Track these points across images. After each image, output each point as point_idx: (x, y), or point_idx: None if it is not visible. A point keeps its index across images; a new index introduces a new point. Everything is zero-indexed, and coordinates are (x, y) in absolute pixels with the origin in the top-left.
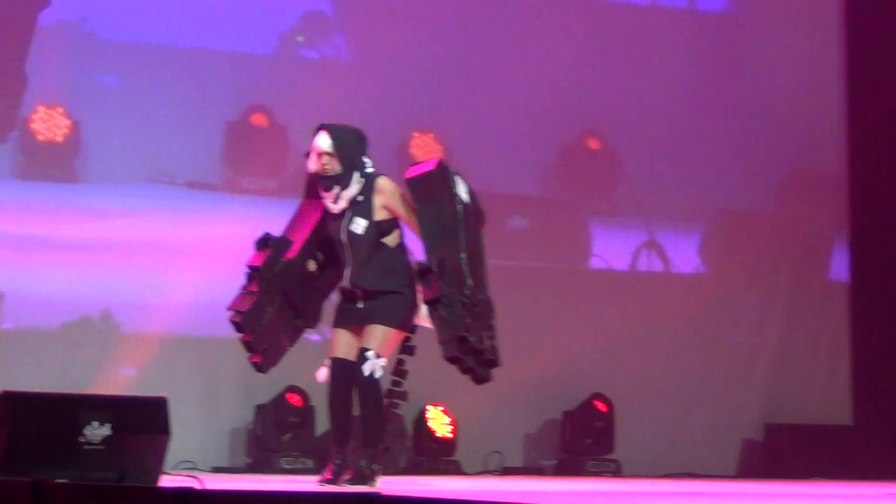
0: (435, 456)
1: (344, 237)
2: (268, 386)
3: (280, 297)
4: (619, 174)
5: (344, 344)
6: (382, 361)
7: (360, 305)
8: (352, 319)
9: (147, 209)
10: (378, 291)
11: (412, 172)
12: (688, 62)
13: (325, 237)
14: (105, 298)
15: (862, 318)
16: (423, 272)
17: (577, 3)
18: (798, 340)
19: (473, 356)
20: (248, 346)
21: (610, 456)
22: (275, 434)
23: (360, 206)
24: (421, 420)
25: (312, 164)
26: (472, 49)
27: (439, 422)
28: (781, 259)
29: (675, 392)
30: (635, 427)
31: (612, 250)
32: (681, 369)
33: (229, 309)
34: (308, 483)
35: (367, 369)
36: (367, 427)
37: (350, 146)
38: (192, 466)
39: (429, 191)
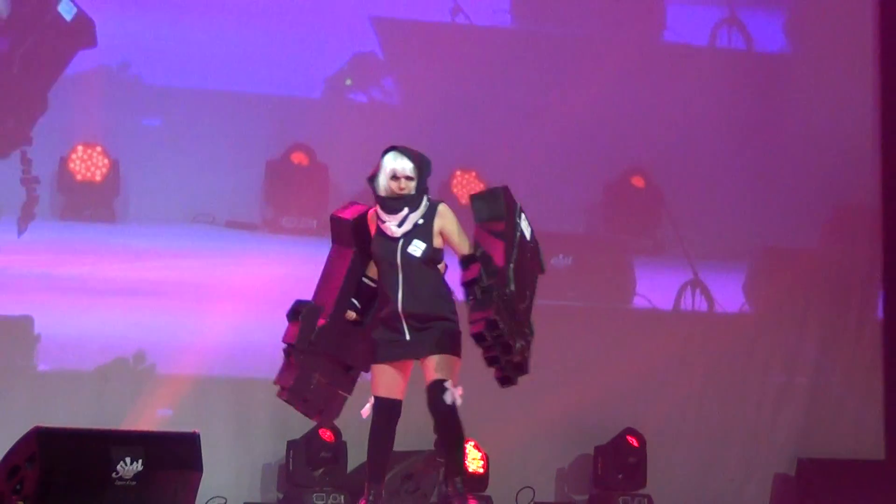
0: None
1: (399, 260)
2: (300, 421)
3: (323, 359)
4: (662, 212)
5: (388, 381)
6: (460, 390)
7: (408, 337)
8: (396, 353)
9: (186, 249)
10: (432, 317)
11: (477, 192)
12: (729, 101)
13: (359, 281)
14: (141, 339)
15: (894, 350)
16: (467, 258)
17: (620, 40)
18: (831, 375)
19: (502, 349)
20: (304, 412)
21: (642, 491)
22: (306, 469)
23: (420, 230)
24: None
25: (388, 187)
26: (515, 86)
27: (471, 457)
28: (815, 295)
29: (708, 427)
30: (667, 462)
31: (655, 289)
32: (714, 404)
33: (276, 384)
34: None
35: (448, 399)
36: (452, 454)
37: (425, 169)
38: (223, 502)
39: (490, 211)
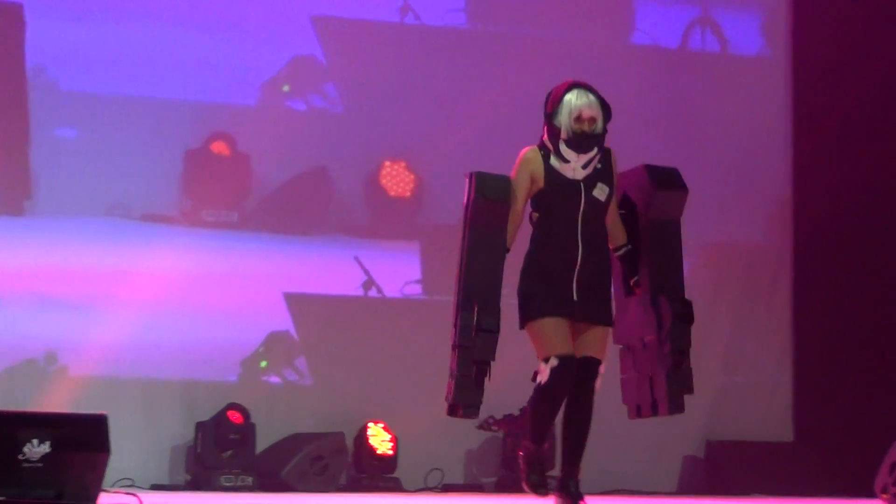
0: (375, 473)
1: (582, 205)
2: (209, 403)
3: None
4: None
5: (567, 336)
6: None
7: (575, 297)
8: (568, 310)
9: (99, 244)
10: (603, 280)
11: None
12: (650, 96)
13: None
14: (51, 333)
15: (803, 337)
16: (685, 316)
17: (543, 40)
18: (740, 358)
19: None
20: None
21: (550, 473)
22: (215, 451)
23: (601, 174)
24: (362, 437)
25: (571, 128)
26: (450, 79)
27: (380, 439)
28: (726, 283)
29: (617, 409)
30: None
31: None
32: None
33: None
34: (247, 500)
35: (598, 385)
36: (582, 446)
37: (608, 108)
38: (131, 484)
39: (671, 203)
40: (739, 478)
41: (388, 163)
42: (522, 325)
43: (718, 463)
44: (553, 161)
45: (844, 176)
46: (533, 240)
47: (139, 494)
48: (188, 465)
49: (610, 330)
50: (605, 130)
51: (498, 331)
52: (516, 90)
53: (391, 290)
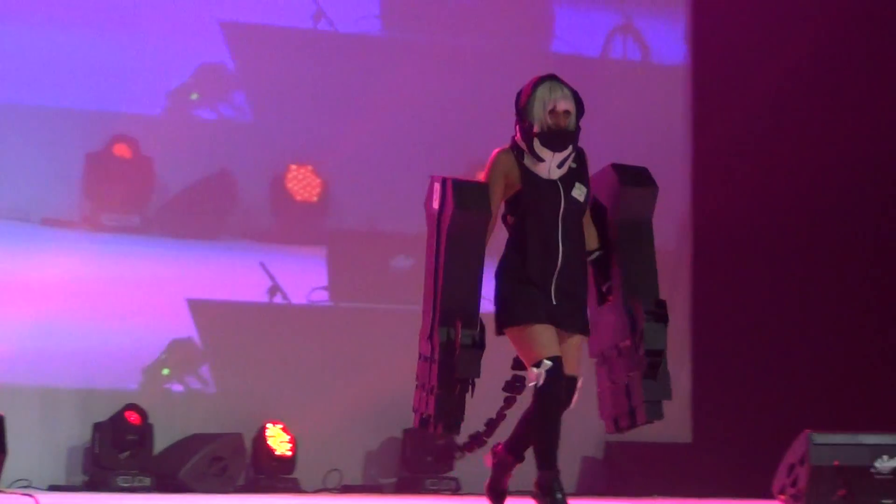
0: (273, 474)
1: (562, 206)
2: (106, 404)
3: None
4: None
5: (555, 340)
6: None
7: (554, 302)
8: (550, 317)
9: None
10: (580, 287)
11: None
12: None
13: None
14: None
15: (701, 339)
16: (660, 316)
17: (459, 48)
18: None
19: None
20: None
21: (450, 474)
22: (112, 452)
23: (576, 174)
24: (260, 438)
25: (545, 122)
26: (360, 83)
27: (278, 439)
28: None
29: (512, 410)
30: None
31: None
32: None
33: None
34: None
35: (575, 400)
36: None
37: (581, 104)
38: (27, 485)
39: (641, 201)
40: (638, 479)
41: (294, 167)
42: (501, 331)
43: (617, 464)
44: (527, 161)
45: (741, 181)
46: (510, 244)
47: (36, 495)
48: (85, 466)
49: (586, 340)
50: (578, 128)
51: (483, 346)
52: (429, 96)
53: (297, 296)
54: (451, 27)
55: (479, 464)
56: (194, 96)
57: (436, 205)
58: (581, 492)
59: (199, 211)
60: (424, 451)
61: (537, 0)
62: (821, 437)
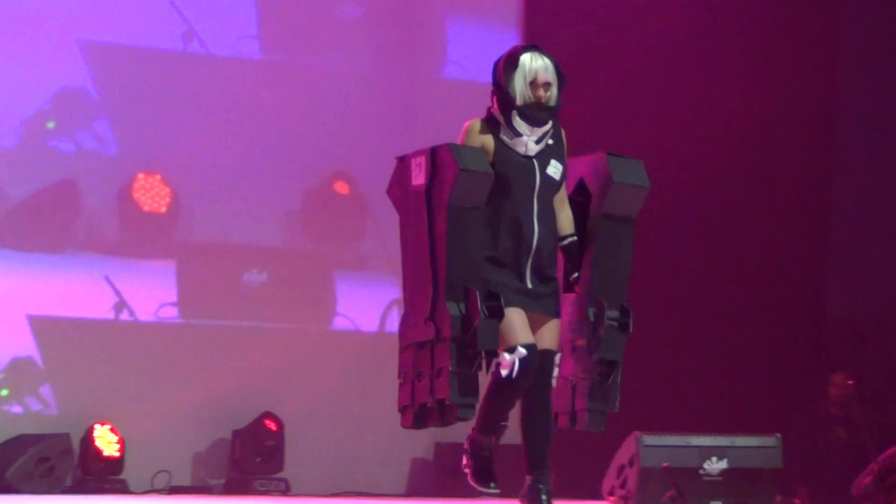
0: (102, 475)
1: (537, 184)
2: None
3: None
4: (367, 223)
5: (528, 326)
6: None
7: (529, 285)
8: (525, 300)
9: None
10: (552, 270)
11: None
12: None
13: None
14: None
15: None
16: (623, 325)
17: (340, 71)
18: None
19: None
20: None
21: (279, 475)
22: None
23: (554, 151)
24: (88, 438)
25: (526, 95)
26: (208, 91)
27: (106, 440)
28: None
29: (347, 412)
30: (305, 446)
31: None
32: (353, 389)
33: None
34: None
35: (555, 381)
36: (550, 443)
37: (562, 77)
38: None
39: (630, 200)
40: (467, 480)
41: (142, 175)
42: None
43: (447, 465)
44: (503, 134)
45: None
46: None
47: None
48: None
49: (559, 322)
50: (559, 104)
51: (503, 316)
52: (288, 108)
53: (145, 312)
54: (335, 50)
55: (307, 464)
56: (51, 125)
57: (421, 179)
58: (410, 492)
59: (40, 222)
60: (254, 452)
61: (414, 22)
62: (650, 439)
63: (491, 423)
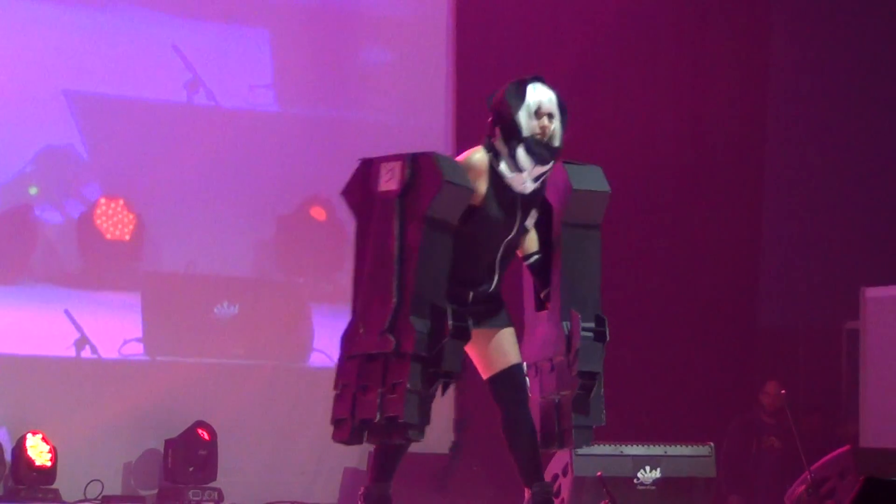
0: (34, 485)
1: (512, 233)
2: None
3: None
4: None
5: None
6: None
7: (469, 300)
8: (481, 318)
9: None
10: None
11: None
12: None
13: None
14: None
15: None
16: (599, 334)
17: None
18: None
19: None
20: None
21: (212, 484)
22: None
23: (540, 190)
24: (20, 448)
25: (531, 127)
26: (175, 109)
27: (38, 450)
28: None
29: (280, 420)
30: (238, 455)
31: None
32: (286, 397)
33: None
34: None
35: (528, 386)
36: (538, 454)
37: (565, 112)
38: None
39: (592, 205)
40: (400, 489)
41: (103, 200)
42: None
43: None
44: (503, 167)
45: None
46: None
47: None
48: None
49: (513, 330)
50: (562, 145)
51: (469, 338)
52: (260, 129)
53: (108, 349)
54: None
55: (240, 473)
56: (33, 191)
57: (393, 186)
58: (343, 502)
59: None
60: (186, 461)
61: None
62: (583, 449)
63: (389, 470)
